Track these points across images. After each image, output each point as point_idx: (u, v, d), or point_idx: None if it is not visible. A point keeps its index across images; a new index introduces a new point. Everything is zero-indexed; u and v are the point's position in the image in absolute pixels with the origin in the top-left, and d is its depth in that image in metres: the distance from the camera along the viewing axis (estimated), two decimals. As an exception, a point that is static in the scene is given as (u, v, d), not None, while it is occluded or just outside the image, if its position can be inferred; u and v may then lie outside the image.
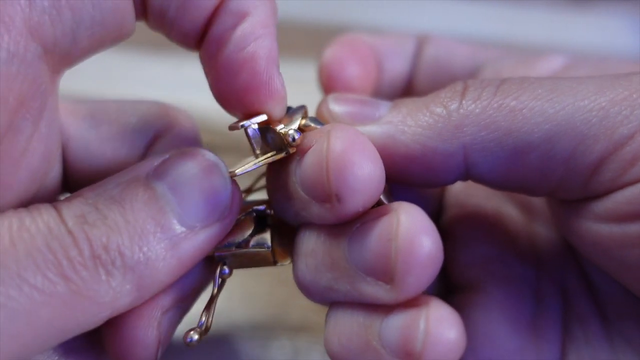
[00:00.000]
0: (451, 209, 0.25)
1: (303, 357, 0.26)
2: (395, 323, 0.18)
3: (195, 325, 0.20)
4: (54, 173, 0.20)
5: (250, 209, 0.21)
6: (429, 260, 0.18)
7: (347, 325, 0.19)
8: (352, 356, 0.19)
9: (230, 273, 0.21)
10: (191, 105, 0.25)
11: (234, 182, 0.19)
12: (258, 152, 0.20)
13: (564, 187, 0.19)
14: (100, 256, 0.16)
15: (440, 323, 0.18)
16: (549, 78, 0.19)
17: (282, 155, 0.19)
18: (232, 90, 0.20)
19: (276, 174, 0.20)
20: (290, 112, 0.21)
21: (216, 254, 0.20)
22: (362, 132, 0.19)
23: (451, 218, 0.24)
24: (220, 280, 0.21)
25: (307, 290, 0.20)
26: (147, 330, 0.19)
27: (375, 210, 0.19)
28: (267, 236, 0.21)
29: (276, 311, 0.27)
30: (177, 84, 0.32)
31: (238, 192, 0.20)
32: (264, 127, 0.20)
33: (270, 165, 0.21)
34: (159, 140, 0.22)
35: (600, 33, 0.49)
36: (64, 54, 0.18)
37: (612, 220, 0.18)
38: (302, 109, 0.21)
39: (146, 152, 0.22)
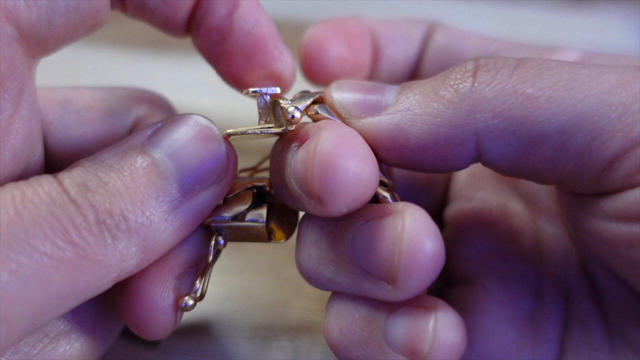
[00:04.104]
0: (456, 201, 0.25)
1: (303, 357, 0.26)
2: (403, 322, 0.19)
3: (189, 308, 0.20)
4: (37, 157, 0.20)
5: (251, 185, 0.21)
6: (431, 264, 0.18)
7: (350, 316, 0.19)
8: (353, 347, 0.19)
9: (225, 244, 0.21)
10: (191, 105, 0.25)
11: (229, 144, 0.20)
12: (262, 122, 0.20)
13: (575, 180, 0.18)
14: (105, 221, 0.17)
15: (448, 327, 0.18)
16: (568, 63, 0.18)
17: (279, 130, 0.20)
18: (247, 72, 0.21)
19: (277, 159, 0.20)
20: (305, 94, 0.21)
21: (212, 224, 0.21)
22: (355, 133, 0.18)
23: (455, 210, 0.24)
24: (215, 250, 0.21)
25: (310, 278, 0.20)
26: (164, 294, 0.19)
27: (379, 208, 0.19)
28: (263, 212, 0.21)
29: (276, 311, 0.27)
30: (177, 84, 0.32)
31: (233, 153, 0.20)
32: (274, 101, 0.20)
33: (274, 149, 0.21)
34: (141, 123, 0.22)
35: (600, 33, 0.49)
36: (40, 39, 0.18)
37: (621, 219, 0.18)
38: (318, 94, 0.21)
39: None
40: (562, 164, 0.18)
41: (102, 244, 0.17)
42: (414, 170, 0.20)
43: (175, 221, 0.18)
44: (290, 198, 0.19)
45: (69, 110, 0.22)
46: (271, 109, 0.20)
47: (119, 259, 0.17)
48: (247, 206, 0.21)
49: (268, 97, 0.20)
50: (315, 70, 0.25)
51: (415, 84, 0.19)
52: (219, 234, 0.21)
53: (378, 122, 0.19)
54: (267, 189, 0.21)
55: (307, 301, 0.28)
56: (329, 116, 0.20)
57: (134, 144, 0.19)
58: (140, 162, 0.18)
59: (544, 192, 0.23)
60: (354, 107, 0.20)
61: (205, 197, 0.19)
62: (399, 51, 0.27)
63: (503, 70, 0.18)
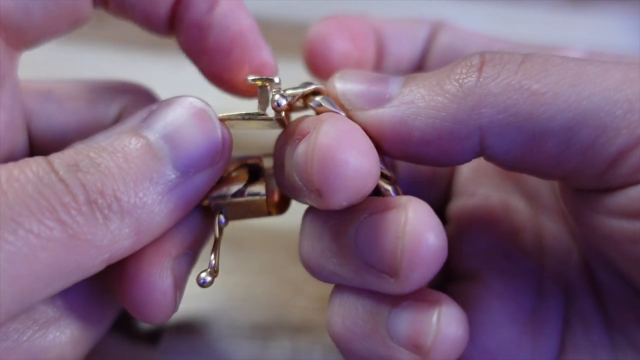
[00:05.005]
0: (459, 197, 0.25)
1: (303, 357, 0.26)
2: (406, 316, 0.19)
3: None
4: (21, 146, 0.20)
5: (244, 163, 0.22)
6: (433, 258, 0.18)
7: (352, 309, 0.19)
8: (356, 340, 0.19)
9: (227, 223, 0.21)
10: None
11: (224, 127, 0.20)
12: (259, 109, 0.20)
13: (578, 175, 0.18)
14: (96, 201, 0.17)
15: (451, 321, 0.18)
16: (574, 60, 0.18)
17: (267, 118, 0.20)
18: (226, 69, 0.21)
19: (280, 152, 0.20)
20: (309, 85, 0.21)
21: (212, 203, 0.21)
22: (355, 126, 0.18)
23: (458, 206, 0.24)
24: (218, 229, 0.21)
25: (313, 270, 0.20)
26: (162, 275, 0.19)
27: (382, 201, 0.19)
28: (262, 186, 0.21)
29: (276, 311, 0.27)
30: (177, 84, 0.32)
31: (229, 136, 0.20)
32: (265, 87, 0.20)
33: (277, 143, 0.21)
34: (126, 113, 0.22)
35: (600, 33, 0.49)
36: (19, 28, 0.18)
37: (624, 216, 0.18)
38: (313, 85, 0.20)
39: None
40: (566, 160, 0.18)
41: (92, 223, 0.16)
42: (417, 163, 0.20)
43: (170, 203, 0.18)
44: (292, 191, 0.19)
45: (51, 100, 0.22)
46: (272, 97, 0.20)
47: (110, 239, 0.17)
48: (244, 182, 0.21)
49: (268, 86, 0.20)
50: (320, 66, 0.25)
51: (419, 76, 0.19)
52: (220, 212, 0.21)
53: (381, 114, 0.19)
54: (260, 165, 0.22)
55: (307, 301, 0.28)
56: (332, 108, 0.20)
57: (129, 127, 0.19)
58: (134, 143, 0.18)
59: (546, 189, 0.23)
60: (357, 98, 0.20)
61: (200, 180, 0.19)
62: (403, 50, 0.27)
63: (509, 65, 0.18)
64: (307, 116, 0.20)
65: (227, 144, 0.20)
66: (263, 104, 0.20)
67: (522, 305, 0.21)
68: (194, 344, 0.26)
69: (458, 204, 0.24)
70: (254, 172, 0.22)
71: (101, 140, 0.18)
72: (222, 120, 0.20)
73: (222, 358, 0.25)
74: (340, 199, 0.18)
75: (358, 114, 0.19)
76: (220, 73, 0.22)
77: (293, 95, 0.20)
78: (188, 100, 0.19)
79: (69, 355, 0.19)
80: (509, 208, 0.23)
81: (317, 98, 0.20)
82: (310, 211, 0.20)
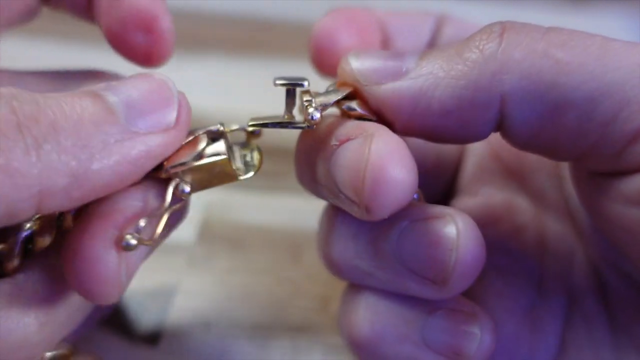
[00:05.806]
0: (462, 195, 0.25)
1: (303, 357, 0.26)
2: (446, 324, 0.19)
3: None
4: None
5: (206, 131, 0.20)
6: (480, 267, 0.18)
7: (384, 313, 0.20)
8: (386, 344, 0.19)
9: (191, 192, 0.20)
10: (192, 105, 0.25)
11: (183, 97, 0.19)
12: (287, 114, 0.20)
13: (595, 154, 0.18)
14: (28, 127, 0.15)
15: (491, 331, 0.19)
16: (599, 35, 0.18)
17: (300, 127, 0.20)
18: (116, 21, 0.22)
19: (309, 150, 0.20)
20: (332, 89, 0.20)
21: (171, 170, 0.19)
22: (402, 142, 0.18)
23: (461, 204, 0.24)
24: (174, 196, 0.19)
25: (339, 270, 0.20)
26: (106, 246, 0.18)
27: (422, 209, 0.19)
28: (221, 145, 0.20)
29: (276, 311, 0.27)
30: (177, 84, 0.32)
31: (187, 105, 0.19)
32: (291, 91, 0.20)
33: (303, 137, 0.21)
34: None
35: (600, 33, 0.49)
36: None
37: None
38: (345, 92, 0.20)
39: None
40: (585, 134, 0.17)
41: (21, 149, 0.15)
42: (434, 140, 0.19)
43: (115, 155, 0.17)
44: (321, 193, 0.19)
45: (20, 86, 0.22)
46: (300, 101, 0.20)
47: (40, 169, 0.16)
48: (203, 146, 0.20)
49: (296, 90, 0.20)
50: (326, 61, 0.25)
51: (437, 49, 0.19)
52: (180, 181, 0.20)
53: (400, 87, 0.18)
54: (221, 129, 0.20)
55: (307, 301, 0.28)
56: (365, 113, 0.20)
57: (89, 89, 0.18)
58: (85, 93, 0.17)
59: (551, 189, 0.23)
60: (374, 73, 0.19)
61: (152, 142, 0.18)
62: (409, 44, 0.26)
63: (532, 34, 0.18)
64: (341, 118, 0.20)
65: (184, 111, 0.19)
66: (290, 106, 0.20)
67: (521, 303, 0.21)
68: (193, 344, 0.26)
69: (461, 202, 0.24)
70: (216, 139, 0.20)
71: (56, 94, 0.17)
72: (254, 125, 0.20)
73: (222, 358, 0.25)
74: (385, 213, 0.18)
75: (375, 89, 0.19)
76: (112, 29, 0.22)
77: (325, 104, 0.20)
78: (151, 73, 0.19)
79: (34, 338, 0.18)
80: (511, 208, 0.23)
81: (351, 103, 0.20)
82: (341, 211, 0.20)
